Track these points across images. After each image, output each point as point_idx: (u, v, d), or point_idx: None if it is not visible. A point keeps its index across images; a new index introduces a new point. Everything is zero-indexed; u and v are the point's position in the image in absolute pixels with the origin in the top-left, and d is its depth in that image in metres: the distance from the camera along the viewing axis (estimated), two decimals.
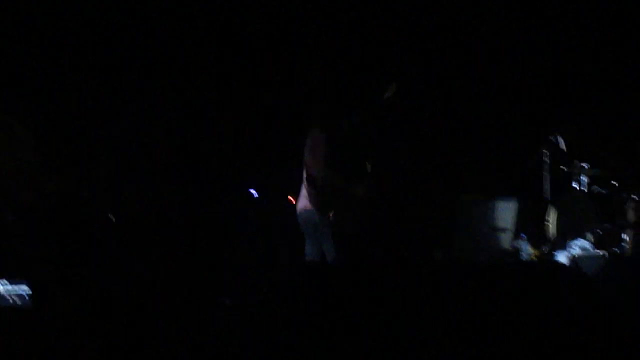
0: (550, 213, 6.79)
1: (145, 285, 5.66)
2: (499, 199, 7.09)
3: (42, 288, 4.68)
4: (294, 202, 5.83)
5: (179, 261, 6.45)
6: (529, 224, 6.97)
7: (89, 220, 6.36)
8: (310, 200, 5.55)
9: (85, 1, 7.02)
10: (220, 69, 7.51)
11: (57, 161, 6.40)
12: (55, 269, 5.11)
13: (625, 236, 6.35)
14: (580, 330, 4.18)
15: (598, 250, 6.41)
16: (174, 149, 7.46)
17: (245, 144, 7.61)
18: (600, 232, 6.52)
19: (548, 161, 7.04)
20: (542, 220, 6.87)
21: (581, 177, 6.86)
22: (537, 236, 6.83)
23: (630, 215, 6.34)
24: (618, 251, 6.35)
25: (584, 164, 6.84)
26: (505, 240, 6.93)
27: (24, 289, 4.59)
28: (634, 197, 6.37)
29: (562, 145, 6.94)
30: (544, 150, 7.02)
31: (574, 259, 6.30)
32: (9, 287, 4.58)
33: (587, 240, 6.52)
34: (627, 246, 6.30)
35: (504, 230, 6.95)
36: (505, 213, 7.00)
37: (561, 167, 6.98)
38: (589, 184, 6.84)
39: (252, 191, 7.47)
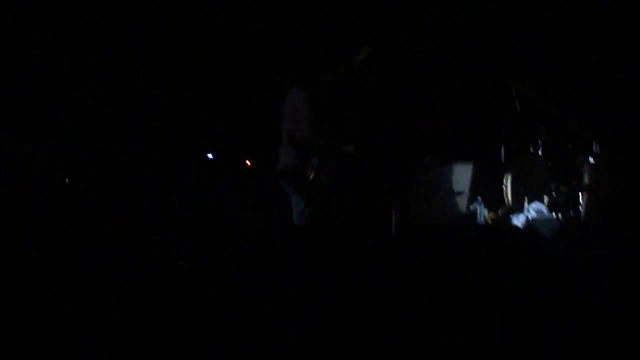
0: (506, 176, 6.80)
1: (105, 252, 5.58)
2: (455, 162, 7.09)
3: None
4: (250, 165, 5.74)
5: (136, 225, 6.36)
6: (485, 187, 6.98)
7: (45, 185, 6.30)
8: (292, 162, 5.38)
9: None
10: (183, 25, 7.31)
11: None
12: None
13: (580, 199, 6.38)
14: (534, 292, 4.21)
15: (553, 214, 6.44)
16: (131, 109, 7.30)
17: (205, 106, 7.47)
18: (556, 196, 6.54)
19: (504, 123, 7.04)
20: (498, 183, 6.87)
21: (537, 140, 6.86)
22: (493, 199, 6.84)
23: (586, 179, 6.36)
24: (573, 214, 6.38)
25: (540, 126, 6.83)
26: (462, 203, 6.96)
27: None
28: (590, 160, 6.38)
29: (519, 107, 6.93)
30: (501, 112, 7.02)
31: (529, 222, 6.33)
32: None
33: (543, 204, 6.55)
34: (583, 209, 6.32)
35: (460, 193, 6.97)
36: (462, 176, 7.01)
37: (517, 129, 6.98)
38: (545, 147, 6.85)
39: (209, 155, 7.38)
